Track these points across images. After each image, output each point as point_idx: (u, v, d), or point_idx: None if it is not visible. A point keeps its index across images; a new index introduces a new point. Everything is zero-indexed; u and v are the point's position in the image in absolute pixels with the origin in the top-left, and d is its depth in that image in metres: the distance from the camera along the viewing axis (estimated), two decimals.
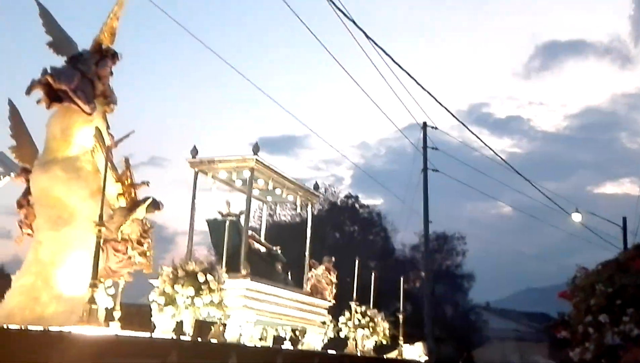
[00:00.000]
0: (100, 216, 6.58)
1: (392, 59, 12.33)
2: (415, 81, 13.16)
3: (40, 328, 6.06)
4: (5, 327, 6.14)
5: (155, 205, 7.68)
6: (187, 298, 7.91)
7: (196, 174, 10.84)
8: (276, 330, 12.28)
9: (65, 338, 5.80)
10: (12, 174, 8.30)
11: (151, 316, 8.69)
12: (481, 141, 23.68)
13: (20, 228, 7.91)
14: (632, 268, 11.94)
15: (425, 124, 27.24)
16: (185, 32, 11.68)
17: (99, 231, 6.49)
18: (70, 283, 7.24)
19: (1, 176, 8.21)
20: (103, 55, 8.09)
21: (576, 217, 24.72)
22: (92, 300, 6.27)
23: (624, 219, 24.90)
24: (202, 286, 7.98)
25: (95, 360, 5.87)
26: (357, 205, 31.53)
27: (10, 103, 8.43)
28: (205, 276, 8.01)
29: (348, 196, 31.64)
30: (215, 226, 10.73)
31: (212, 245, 11.27)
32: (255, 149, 10.59)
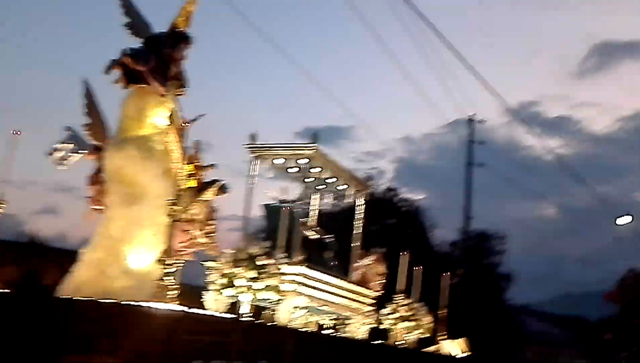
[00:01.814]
0: (174, 195, 6.77)
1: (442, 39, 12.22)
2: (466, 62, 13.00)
3: (113, 301, 6.29)
4: (78, 298, 6.39)
5: (224, 189, 7.86)
6: (247, 280, 8.08)
7: (254, 159, 10.99)
8: (317, 317, 12.44)
9: (138, 312, 6.03)
10: (83, 152, 8.53)
11: (200, 297, 8.90)
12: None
13: (91, 204, 8.16)
14: None
15: (471, 117, 27.03)
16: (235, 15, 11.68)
17: (172, 209, 6.67)
18: (138, 260, 7.47)
19: (74, 153, 8.44)
20: (178, 38, 8.26)
21: (625, 220, 24.05)
22: (163, 277, 6.46)
23: None
24: (262, 270, 8.14)
25: (165, 334, 6.09)
26: (396, 199, 31.43)
27: (85, 82, 8.67)
28: (266, 260, 8.16)
29: (388, 189, 31.57)
30: (271, 212, 10.89)
31: (267, 230, 11.42)
32: (314, 137, 10.69)
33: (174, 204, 7.22)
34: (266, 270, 8.16)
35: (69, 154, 8.43)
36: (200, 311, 7.08)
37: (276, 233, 10.26)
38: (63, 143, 8.48)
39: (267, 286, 8.15)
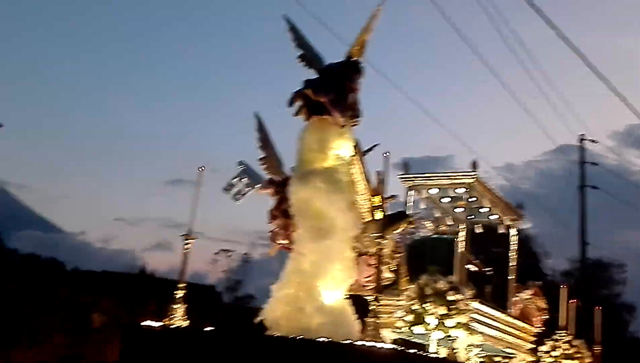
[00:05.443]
0: (360, 228, 6.48)
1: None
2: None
3: (329, 339, 6.01)
4: (301, 337, 6.13)
5: (412, 222, 7.52)
6: (437, 317, 7.63)
7: (408, 190, 10.61)
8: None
9: (357, 351, 5.72)
10: (257, 186, 8.44)
11: None
12: None
13: (273, 240, 7.98)
14: None
15: (582, 137, 25.59)
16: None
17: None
18: (331, 295, 7.20)
19: (249, 188, 8.36)
20: (353, 68, 8.08)
21: None
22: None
23: None
24: (452, 306, 7.68)
25: None
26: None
27: (257, 116, 8.63)
28: (455, 296, 7.70)
29: None
30: (432, 244, 10.44)
31: (427, 263, 10.95)
32: (474, 166, 10.21)
33: (361, 237, 6.90)
34: (456, 306, 7.68)
35: (245, 188, 8.36)
36: (413, 350, 6.65)
37: (439, 265, 9.77)
38: (238, 178, 8.43)
39: (457, 323, 7.67)
